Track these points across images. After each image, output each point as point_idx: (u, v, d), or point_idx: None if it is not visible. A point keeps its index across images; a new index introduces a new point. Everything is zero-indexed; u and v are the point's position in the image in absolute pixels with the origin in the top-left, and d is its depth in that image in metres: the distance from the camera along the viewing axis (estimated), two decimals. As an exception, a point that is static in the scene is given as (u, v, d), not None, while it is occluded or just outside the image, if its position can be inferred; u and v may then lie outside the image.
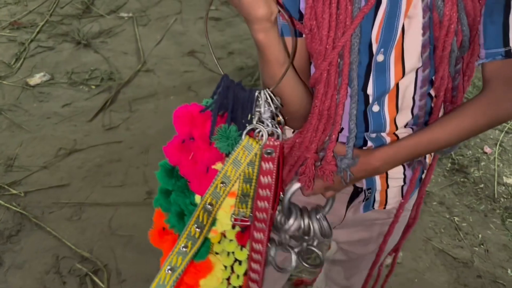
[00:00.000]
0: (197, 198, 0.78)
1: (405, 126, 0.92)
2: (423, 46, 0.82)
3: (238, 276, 0.88)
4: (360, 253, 1.17)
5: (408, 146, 0.87)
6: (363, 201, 1.04)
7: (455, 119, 0.86)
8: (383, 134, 0.92)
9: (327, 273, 1.34)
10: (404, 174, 1.00)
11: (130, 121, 2.65)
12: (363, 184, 1.01)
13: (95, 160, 2.38)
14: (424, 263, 1.97)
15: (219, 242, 0.84)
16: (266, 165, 0.77)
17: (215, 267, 0.83)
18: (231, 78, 0.79)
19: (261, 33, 0.73)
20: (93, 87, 2.89)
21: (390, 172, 0.99)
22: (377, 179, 1.00)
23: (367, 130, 0.91)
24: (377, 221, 1.10)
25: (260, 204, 0.80)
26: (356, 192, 1.05)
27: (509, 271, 1.96)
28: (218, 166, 0.77)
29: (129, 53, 3.22)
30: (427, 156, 1.00)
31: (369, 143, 0.93)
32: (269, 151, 0.76)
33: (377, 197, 1.03)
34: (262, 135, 0.75)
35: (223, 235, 0.84)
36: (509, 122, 2.71)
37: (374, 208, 1.05)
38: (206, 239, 0.80)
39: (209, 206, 0.75)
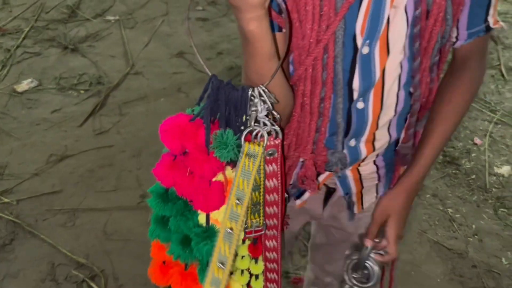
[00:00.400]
0: (201, 217, 0.72)
1: (388, 129, 0.92)
2: (414, 37, 0.80)
3: None
4: (340, 238, 1.17)
5: (432, 152, 0.92)
6: (348, 208, 1.05)
7: (452, 107, 0.91)
8: (361, 144, 0.92)
9: (313, 260, 1.34)
10: (377, 173, 1.01)
11: (120, 124, 2.63)
12: (336, 186, 1.01)
13: (86, 166, 2.36)
14: (420, 255, 1.98)
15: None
16: (270, 168, 0.73)
17: None
18: (220, 78, 0.72)
19: (254, 23, 0.67)
20: (82, 91, 2.86)
21: (363, 173, 0.99)
22: (351, 182, 1.00)
23: (347, 132, 0.90)
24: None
25: (269, 210, 0.77)
26: (329, 192, 1.06)
27: (503, 259, 1.98)
28: (219, 177, 0.71)
29: (117, 57, 3.19)
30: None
31: (345, 151, 0.93)
32: (271, 152, 0.71)
33: (353, 198, 1.03)
34: (261, 136, 0.70)
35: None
36: (497, 113, 2.74)
37: (355, 215, 1.06)
38: None
39: (229, 231, 0.67)
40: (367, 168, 0.99)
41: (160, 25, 3.53)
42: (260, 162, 0.70)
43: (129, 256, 1.92)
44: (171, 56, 3.21)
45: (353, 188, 1.01)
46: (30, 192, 2.20)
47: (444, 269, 1.93)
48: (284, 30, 0.78)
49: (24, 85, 2.89)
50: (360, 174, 0.99)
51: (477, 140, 2.55)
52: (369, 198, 1.05)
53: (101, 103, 2.76)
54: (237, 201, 0.68)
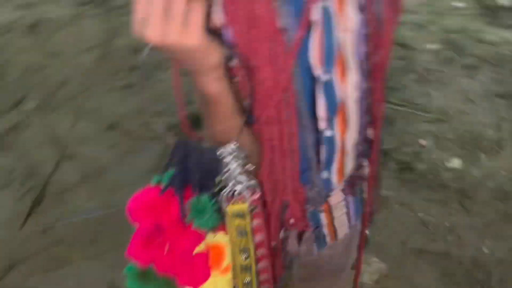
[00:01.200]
0: None
1: (354, 153, 0.91)
2: (367, 55, 0.80)
3: None
4: (316, 269, 1.13)
5: None
6: (314, 241, 1.01)
7: None
8: (332, 174, 0.90)
9: None
10: (345, 200, 1.00)
11: (66, 215, 2.43)
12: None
13: (39, 271, 2.12)
14: (408, 267, 1.97)
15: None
16: (254, 223, 0.70)
17: None
18: (160, 140, 0.70)
19: (215, 83, 0.65)
20: (16, 189, 2.63)
21: (333, 203, 0.98)
22: (322, 214, 0.98)
23: (318, 166, 0.88)
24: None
25: (261, 265, 0.74)
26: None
27: (484, 249, 2.02)
28: (201, 247, 0.67)
29: (46, 144, 2.99)
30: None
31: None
32: (252, 207, 0.69)
33: (325, 230, 1.01)
34: (238, 194, 0.67)
35: None
36: (430, 112, 2.88)
37: (327, 244, 1.03)
38: None
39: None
40: (336, 198, 0.98)
41: (84, 101, 3.39)
42: (250, 218, 0.68)
43: None
44: (103, 130, 3.07)
45: (324, 220, 0.99)
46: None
47: (435, 275, 1.93)
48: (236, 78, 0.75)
49: None
50: (330, 205, 0.98)
51: (422, 142, 2.65)
52: (343, 229, 1.03)
53: (39, 197, 2.54)
54: (244, 256, 0.68)
